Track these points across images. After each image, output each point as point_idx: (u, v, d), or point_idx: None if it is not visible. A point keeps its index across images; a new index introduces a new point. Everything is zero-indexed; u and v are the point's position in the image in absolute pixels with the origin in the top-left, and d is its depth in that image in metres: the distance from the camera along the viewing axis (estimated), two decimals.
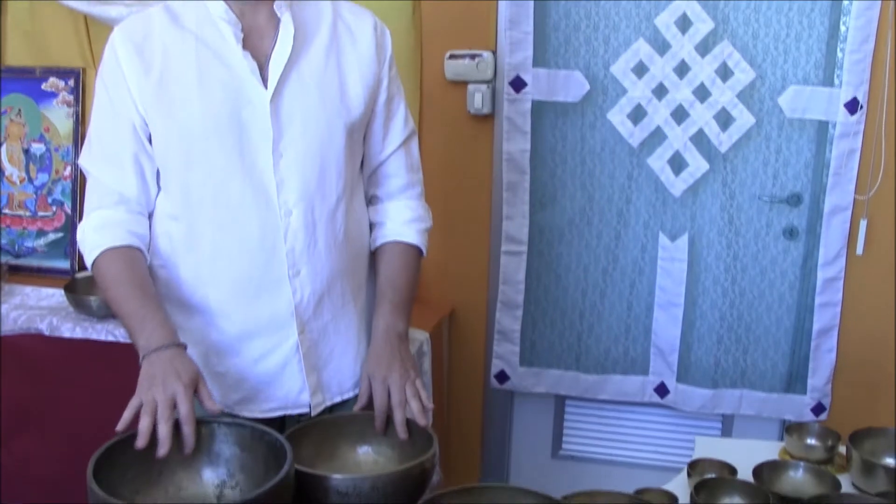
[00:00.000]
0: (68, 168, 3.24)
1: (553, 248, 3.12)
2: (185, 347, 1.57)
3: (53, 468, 2.77)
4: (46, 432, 2.87)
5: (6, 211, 3.29)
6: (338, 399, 1.81)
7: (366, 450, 1.68)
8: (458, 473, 3.27)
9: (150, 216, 1.73)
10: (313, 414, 1.77)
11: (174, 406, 1.45)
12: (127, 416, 1.46)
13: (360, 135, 1.78)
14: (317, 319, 1.75)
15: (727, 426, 3.24)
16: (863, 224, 2.93)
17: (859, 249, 2.96)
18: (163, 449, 1.43)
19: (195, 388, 1.51)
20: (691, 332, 3.08)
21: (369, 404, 1.68)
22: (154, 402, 1.45)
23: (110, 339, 2.77)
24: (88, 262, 1.67)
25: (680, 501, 1.79)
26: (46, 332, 2.82)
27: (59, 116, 3.24)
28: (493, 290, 3.21)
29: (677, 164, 2.98)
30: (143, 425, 1.43)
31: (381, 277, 1.81)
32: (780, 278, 3.02)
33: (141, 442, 1.43)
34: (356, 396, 1.78)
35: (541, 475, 3.30)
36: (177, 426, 1.46)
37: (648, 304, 3.11)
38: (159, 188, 1.71)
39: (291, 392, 1.76)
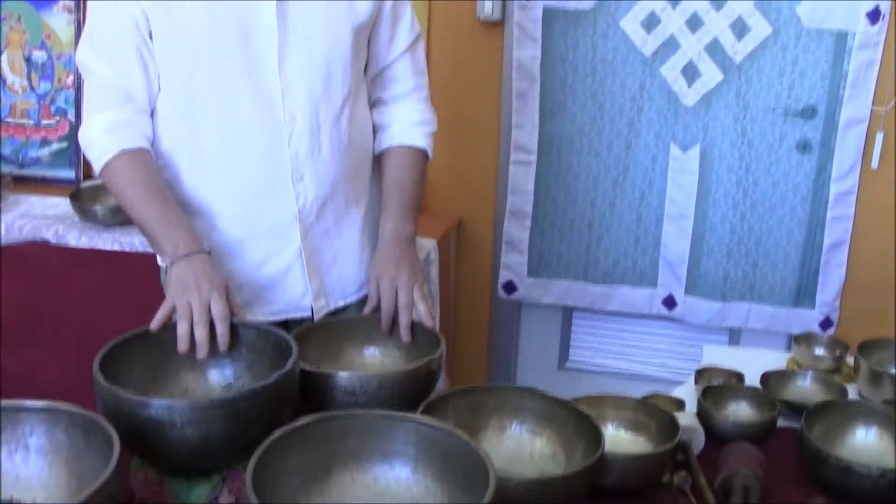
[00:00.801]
0: (71, 76, 3.19)
1: (562, 157, 3.09)
2: (209, 254, 1.57)
3: (61, 375, 2.80)
4: (54, 340, 2.89)
5: (9, 120, 3.26)
6: (341, 303, 1.81)
7: (372, 352, 1.68)
8: (465, 383, 3.28)
9: (151, 115, 1.70)
10: (316, 318, 1.76)
11: (209, 309, 1.45)
12: (161, 315, 1.46)
13: (366, 37, 1.74)
14: (319, 224, 1.73)
15: (734, 339, 3.25)
16: (879, 137, 2.89)
17: (874, 163, 2.92)
18: (202, 353, 1.44)
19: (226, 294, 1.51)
20: (701, 245, 3.07)
21: (379, 307, 1.67)
22: (189, 307, 1.45)
23: (116, 247, 2.78)
24: (98, 165, 1.63)
25: (687, 407, 1.80)
26: (52, 241, 2.83)
27: (60, 23, 3.19)
28: (502, 199, 3.19)
29: (691, 73, 2.93)
30: (182, 330, 1.43)
31: (387, 180, 1.78)
32: (792, 192, 2.99)
33: (182, 346, 1.43)
34: (359, 301, 1.78)
35: (547, 386, 3.29)
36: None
37: (658, 216, 3.09)
38: (159, 87, 1.68)
39: (294, 296, 1.75)
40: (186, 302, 1.45)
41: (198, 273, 1.49)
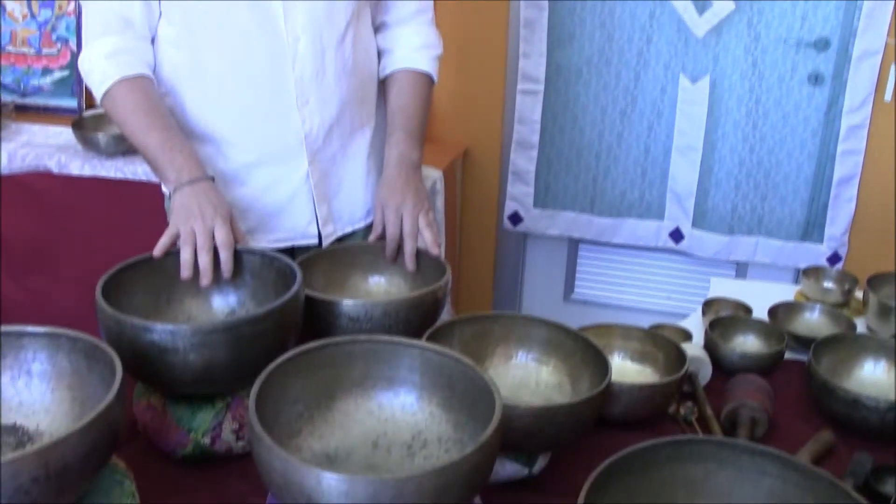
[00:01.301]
0: (72, 3, 3.14)
1: (570, 87, 3.04)
2: (213, 180, 1.54)
3: (65, 304, 2.80)
4: (58, 269, 2.88)
5: (9, 48, 3.21)
6: (349, 229, 1.79)
7: (377, 280, 1.65)
8: None
9: (152, 42, 1.66)
10: (324, 245, 1.74)
11: (212, 236, 1.43)
12: (164, 242, 1.44)
13: None
14: (326, 149, 1.70)
15: (741, 273, 3.23)
16: (893, 69, 2.84)
17: (888, 96, 2.87)
18: (205, 280, 1.42)
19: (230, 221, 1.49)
20: (709, 178, 3.04)
21: (384, 234, 1.65)
22: (193, 233, 1.42)
23: (119, 175, 2.76)
24: (99, 93, 1.59)
25: (694, 338, 1.78)
26: (55, 171, 2.81)
27: None
28: (508, 129, 3.17)
29: (701, 3, 2.88)
30: (186, 257, 1.41)
31: (392, 106, 1.75)
32: (803, 125, 2.95)
33: (185, 273, 1.41)
34: (367, 227, 1.76)
35: (552, 318, 3.35)
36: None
37: (666, 148, 3.06)
38: (160, 12, 1.64)
39: (300, 223, 1.73)
40: (190, 228, 1.43)
41: (201, 199, 1.47)
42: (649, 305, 3.37)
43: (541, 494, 1.31)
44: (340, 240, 1.78)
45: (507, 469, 1.30)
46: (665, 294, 3.36)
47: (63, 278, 2.86)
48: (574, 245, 3.37)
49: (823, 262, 3.03)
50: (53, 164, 2.81)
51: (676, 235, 3.16)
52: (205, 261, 1.41)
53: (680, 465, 1.10)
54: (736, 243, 3.09)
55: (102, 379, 1.11)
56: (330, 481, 0.91)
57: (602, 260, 3.39)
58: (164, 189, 1.67)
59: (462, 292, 3.37)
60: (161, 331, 1.20)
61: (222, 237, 1.43)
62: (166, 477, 1.31)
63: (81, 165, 2.79)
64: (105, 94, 1.58)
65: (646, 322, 1.81)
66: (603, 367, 1.33)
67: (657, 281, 3.37)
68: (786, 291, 2.10)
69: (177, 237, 1.44)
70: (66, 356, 1.17)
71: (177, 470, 1.33)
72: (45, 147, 2.89)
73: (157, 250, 1.44)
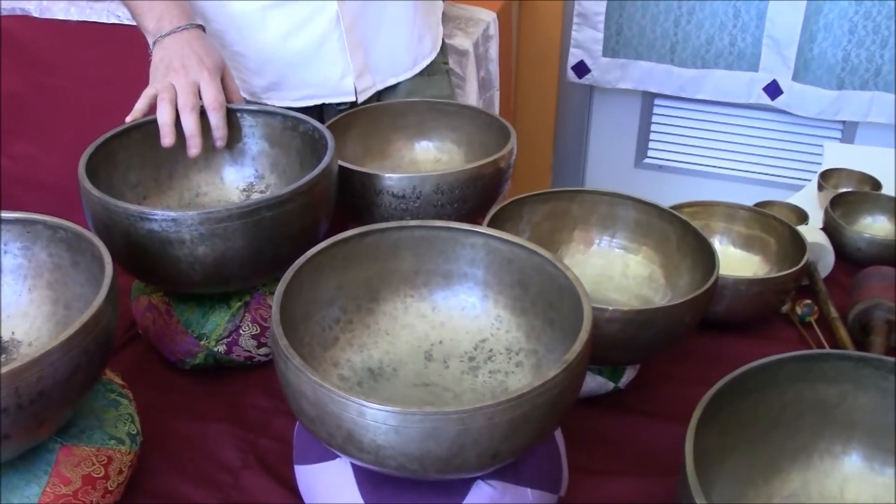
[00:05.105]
0: None
1: None
2: (203, 29, 1.44)
3: (60, 174, 2.73)
4: (48, 132, 2.81)
5: None
6: (392, 80, 1.70)
7: (426, 146, 1.57)
8: (526, 182, 3.27)
9: None
10: (360, 101, 1.65)
11: (198, 93, 1.33)
12: (141, 104, 1.33)
13: None
14: None
15: (848, 136, 3.13)
16: None
17: None
18: (194, 148, 1.31)
19: (220, 77, 1.39)
20: (816, 20, 2.90)
21: None
22: (173, 90, 1.32)
23: (113, 20, 2.68)
24: None
25: (811, 219, 1.66)
26: (35, 14, 2.74)
27: None
28: None
29: None
30: (165, 118, 1.30)
31: None
32: None
33: (167, 139, 1.30)
34: (414, 77, 1.69)
35: (622, 187, 3.30)
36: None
37: None
38: None
39: (332, 75, 1.63)
40: (169, 85, 1.32)
41: (185, 51, 1.36)
42: (738, 172, 3.29)
43: (627, 413, 1.23)
44: (380, 97, 1.68)
45: (589, 384, 1.21)
46: (757, 158, 3.27)
47: (53, 143, 2.79)
48: (649, 100, 3.30)
49: None
50: (33, 8, 2.73)
51: (773, 90, 3.03)
52: (189, 123, 1.30)
53: (808, 386, 1.01)
54: (846, 99, 2.95)
55: (90, 276, 1.03)
56: (377, 414, 0.81)
57: (682, 118, 3.31)
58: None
59: (517, 156, 3.29)
60: (161, 218, 1.10)
61: (210, 97, 1.32)
62: (172, 392, 1.25)
63: (67, 8, 2.70)
64: None
65: (734, 192, 1.69)
66: (706, 256, 1.22)
67: (748, 143, 3.27)
68: None
69: (155, 98, 1.33)
70: (44, 248, 1.08)
71: (185, 382, 1.27)
72: None
73: (131, 116, 1.32)
